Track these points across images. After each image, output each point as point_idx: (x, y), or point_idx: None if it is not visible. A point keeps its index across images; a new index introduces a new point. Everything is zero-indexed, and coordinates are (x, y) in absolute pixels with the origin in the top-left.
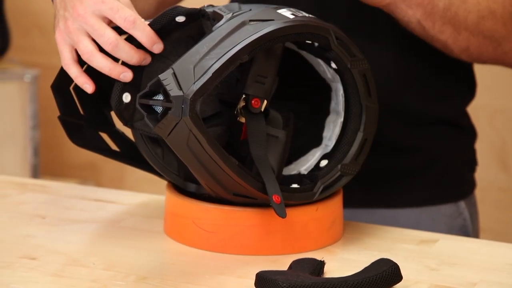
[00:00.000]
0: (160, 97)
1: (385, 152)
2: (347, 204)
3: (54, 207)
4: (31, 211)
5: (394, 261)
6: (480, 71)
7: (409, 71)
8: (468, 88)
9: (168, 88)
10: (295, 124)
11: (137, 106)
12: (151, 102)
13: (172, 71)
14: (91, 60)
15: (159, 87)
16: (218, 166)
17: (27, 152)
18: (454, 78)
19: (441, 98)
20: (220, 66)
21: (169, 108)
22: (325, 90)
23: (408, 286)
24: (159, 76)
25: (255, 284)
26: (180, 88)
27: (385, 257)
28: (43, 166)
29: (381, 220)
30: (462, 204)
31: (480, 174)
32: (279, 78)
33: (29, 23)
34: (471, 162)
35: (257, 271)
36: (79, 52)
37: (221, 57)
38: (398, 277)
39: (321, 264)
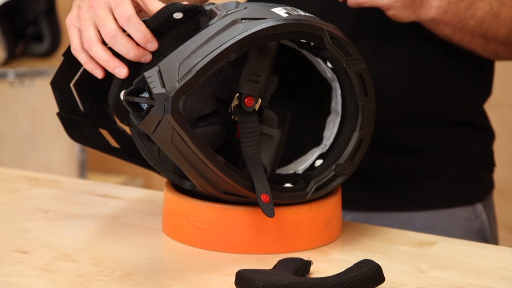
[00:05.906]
0: (146, 94)
1: (399, 155)
2: (361, 207)
3: (59, 202)
4: (36, 206)
5: (387, 262)
6: None
7: (420, 71)
8: (483, 87)
9: (151, 85)
10: (292, 123)
11: (123, 103)
12: (136, 99)
13: (158, 69)
14: (90, 49)
15: (145, 85)
16: (205, 164)
17: (74, 148)
18: (468, 78)
19: (454, 98)
20: (205, 65)
21: (153, 106)
22: (326, 90)
23: None
24: (144, 73)
25: (235, 282)
26: (164, 86)
27: (376, 259)
28: (90, 163)
29: (396, 224)
30: (479, 206)
31: None
32: (282, 77)
33: None
34: (488, 163)
35: None
36: (82, 40)
37: (206, 55)
38: (379, 278)
39: (307, 264)
